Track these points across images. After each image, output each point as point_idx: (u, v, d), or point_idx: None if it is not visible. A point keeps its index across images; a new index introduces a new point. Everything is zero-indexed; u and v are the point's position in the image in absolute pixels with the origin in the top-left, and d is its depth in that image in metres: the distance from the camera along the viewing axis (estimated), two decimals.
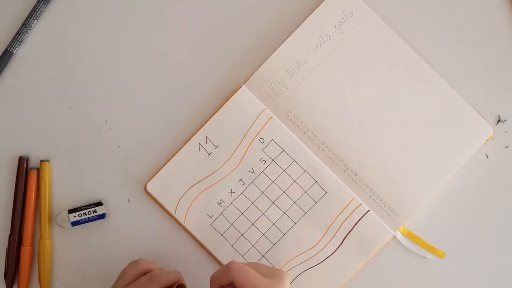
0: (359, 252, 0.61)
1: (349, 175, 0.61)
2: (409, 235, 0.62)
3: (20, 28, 0.62)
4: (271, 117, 0.61)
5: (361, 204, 0.61)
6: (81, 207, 0.62)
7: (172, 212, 0.61)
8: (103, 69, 0.63)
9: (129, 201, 0.62)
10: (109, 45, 0.63)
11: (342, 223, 0.61)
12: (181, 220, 0.61)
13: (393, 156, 0.61)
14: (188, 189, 0.61)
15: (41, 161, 0.62)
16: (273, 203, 0.62)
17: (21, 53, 0.63)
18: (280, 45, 0.61)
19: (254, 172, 0.62)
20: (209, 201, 0.61)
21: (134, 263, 0.58)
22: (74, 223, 0.62)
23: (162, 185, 0.61)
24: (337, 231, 0.61)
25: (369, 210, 0.61)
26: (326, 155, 0.61)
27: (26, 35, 0.62)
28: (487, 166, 0.62)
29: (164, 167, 0.61)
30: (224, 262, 0.61)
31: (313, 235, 0.61)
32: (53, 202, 0.63)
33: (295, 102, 0.61)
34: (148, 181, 0.61)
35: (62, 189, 0.63)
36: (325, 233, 0.61)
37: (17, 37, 0.62)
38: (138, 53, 0.63)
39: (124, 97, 0.63)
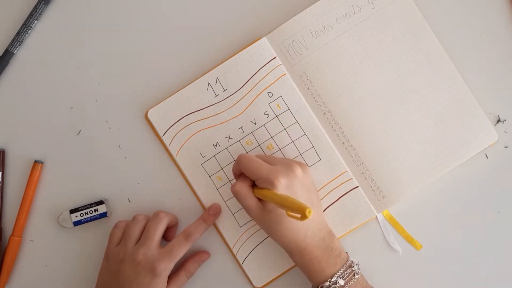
0: (338, 224, 0.61)
1: (346, 148, 0.61)
2: (391, 220, 0.62)
3: (21, 28, 0.62)
4: (284, 74, 0.61)
5: (351, 178, 0.61)
6: (82, 206, 0.62)
7: (166, 143, 0.62)
8: (103, 69, 0.63)
9: (129, 201, 0.63)
10: (110, 45, 0.63)
11: (329, 192, 0.61)
12: (173, 153, 0.62)
13: (394, 140, 0.61)
14: (188, 125, 0.62)
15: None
16: None
17: (22, 53, 0.63)
18: (310, 5, 0.61)
19: (255, 124, 0.62)
20: (205, 141, 0.62)
21: (135, 221, 0.59)
22: (76, 223, 0.62)
23: (163, 115, 0.61)
24: (322, 198, 0.61)
25: (357, 186, 0.61)
26: (329, 123, 0.61)
27: (26, 35, 0.62)
28: (486, 166, 0.62)
29: (169, 98, 0.62)
30: (205, 203, 0.62)
31: None
32: (54, 203, 0.63)
33: (311, 64, 0.61)
34: (150, 108, 0.62)
35: (62, 189, 0.63)
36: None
37: (18, 37, 0.62)
38: (139, 52, 0.63)
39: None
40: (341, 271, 0.56)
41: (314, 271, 0.56)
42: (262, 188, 0.55)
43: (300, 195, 0.55)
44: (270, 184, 0.54)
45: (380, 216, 0.62)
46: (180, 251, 0.58)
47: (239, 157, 0.57)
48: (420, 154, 0.61)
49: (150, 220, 0.59)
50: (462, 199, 0.62)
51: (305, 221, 0.55)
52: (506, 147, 0.62)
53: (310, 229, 0.56)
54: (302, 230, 0.55)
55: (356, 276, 0.56)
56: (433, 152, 0.61)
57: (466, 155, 0.61)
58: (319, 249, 0.56)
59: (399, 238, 0.62)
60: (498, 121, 0.62)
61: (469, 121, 0.61)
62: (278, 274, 0.62)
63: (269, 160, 0.57)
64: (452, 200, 0.62)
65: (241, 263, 0.62)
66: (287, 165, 0.56)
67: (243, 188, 0.56)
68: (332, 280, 0.55)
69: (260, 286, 0.62)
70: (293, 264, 0.62)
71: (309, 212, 0.48)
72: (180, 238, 0.59)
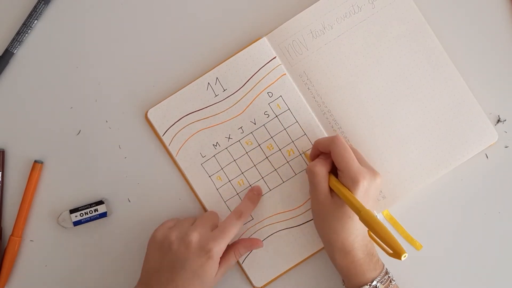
0: None
1: None
2: (391, 220, 0.62)
3: (21, 28, 0.62)
4: (285, 73, 0.61)
5: None
6: (82, 206, 0.62)
7: (166, 143, 0.62)
8: (103, 69, 0.63)
9: (129, 201, 0.63)
10: (109, 45, 0.63)
11: None
12: (173, 153, 0.62)
13: (394, 140, 0.61)
14: (188, 125, 0.62)
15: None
16: (267, 157, 0.62)
17: (22, 53, 0.63)
18: (310, 5, 0.61)
19: (255, 124, 0.62)
20: (205, 141, 0.62)
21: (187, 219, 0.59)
22: (76, 223, 0.62)
23: (163, 115, 0.61)
24: None
25: None
26: (329, 123, 0.61)
27: (26, 35, 0.62)
28: (486, 166, 0.62)
29: (169, 98, 0.62)
30: (205, 202, 0.62)
31: (298, 197, 0.62)
32: (54, 203, 0.63)
33: (311, 64, 0.61)
34: (150, 108, 0.62)
35: (62, 189, 0.63)
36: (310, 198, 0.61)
37: (18, 37, 0.62)
38: (139, 52, 0.62)
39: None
40: (380, 277, 0.56)
41: (354, 273, 0.56)
42: (342, 185, 0.55)
43: (369, 201, 0.56)
44: (355, 181, 0.54)
45: (380, 216, 0.62)
46: (233, 230, 0.58)
47: (336, 139, 0.56)
48: (420, 154, 0.61)
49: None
50: (462, 199, 0.62)
51: (358, 227, 0.55)
52: (506, 147, 0.62)
53: (360, 234, 0.56)
54: (354, 234, 0.56)
55: (393, 282, 0.57)
56: (433, 152, 0.61)
57: (466, 155, 0.61)
58: (362, 254, 0.56)
59: (399, 238, 0.62)
60: (498, 121, 0.62)
61: (469, 121, 0.61)
62: (278, 274, 0.62)
63: (356, 154, 0.58)
64: (452, 200, 0.62)
65: (241, 263, 0.62)
66: (372, 170, 0.56)
67: (323, 171, 0.56)
68: (373, 284, 0.56)
69: (260, 286, 0.62)
70: (293, 264, 0.62)
71: (405, 256, 0.49)
72: (232, 217, 0.58)
